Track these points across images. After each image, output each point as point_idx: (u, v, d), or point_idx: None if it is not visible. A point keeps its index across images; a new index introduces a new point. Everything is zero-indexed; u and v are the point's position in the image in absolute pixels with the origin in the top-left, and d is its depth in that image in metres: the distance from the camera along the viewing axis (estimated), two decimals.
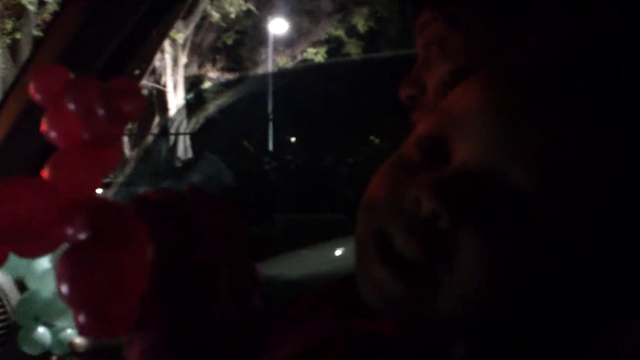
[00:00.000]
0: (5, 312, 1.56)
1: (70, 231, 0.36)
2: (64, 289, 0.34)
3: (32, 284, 1.57)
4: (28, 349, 1.56)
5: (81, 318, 0.35)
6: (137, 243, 0.37)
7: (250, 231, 0.45)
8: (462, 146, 0.40)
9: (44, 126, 0.46)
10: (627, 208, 0.37)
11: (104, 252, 0.35)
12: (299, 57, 11.76)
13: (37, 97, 0.46)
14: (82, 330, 0.36)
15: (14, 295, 1.59)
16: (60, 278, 0.35)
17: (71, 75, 0.46)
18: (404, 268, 0.39)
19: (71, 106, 0.44)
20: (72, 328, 1.61)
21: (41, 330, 1.57)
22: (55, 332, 1.59)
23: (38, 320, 1.56)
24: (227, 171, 6.02)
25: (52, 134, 0.46)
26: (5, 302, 1.56)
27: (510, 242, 0.37)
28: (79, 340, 1.60)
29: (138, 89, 0.46)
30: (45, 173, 0.44)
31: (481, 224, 0.37)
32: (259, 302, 0.42)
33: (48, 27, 1.17)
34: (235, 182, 5.99)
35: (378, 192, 0.43)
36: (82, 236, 0.36)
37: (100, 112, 0.43)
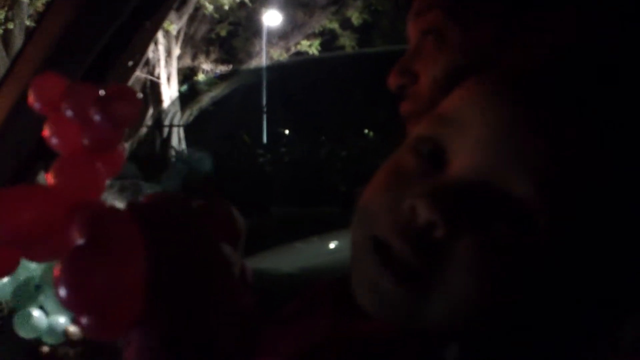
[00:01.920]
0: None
1: (69, 236, 0.37)
2: (63, 293, 0.35)
3: (22, 271, 1.57)
4: (24, 333, 1.56)
5: (84, 320, 0.36)
6: (133, 247, 0.37)
7: (246, 229, 0.45)
8: (461, 153, 0.39)
9: (45, 133, 0.47)
10: (628, 218, 0.37)
11: (100, 257, 0.36)
12: (293, 49, 11.71)
13: (36, 106, 0.47)
14: (86, 333, 0.36)
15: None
16: (59, 283, 0.35)
17: (68, 83, 0.47)
18: (401, 270, 0.39)
19: (69, 113, 0.45)
20: (65, 316, 1.61)
21: (37, 314, 1.58)
22: (49, 320, 1.60)
23: (33, 299, 1.57)
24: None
25: (54, 141, 0.47)
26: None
27: (507, 253, 0.37)
28: (73, 329, 1.60)
29: (134, 94, 0.46)
30: (49, 179, 0.44)
31: (477, 235, 0.37)
32: (249, 300, 0.42)
33: (40, 17, 1.16)
34: (228, 174, 5.95)
35: (373, 199, 0.42)
36: (79, 241, 0.36)
37: (97, 117, 0.43)
